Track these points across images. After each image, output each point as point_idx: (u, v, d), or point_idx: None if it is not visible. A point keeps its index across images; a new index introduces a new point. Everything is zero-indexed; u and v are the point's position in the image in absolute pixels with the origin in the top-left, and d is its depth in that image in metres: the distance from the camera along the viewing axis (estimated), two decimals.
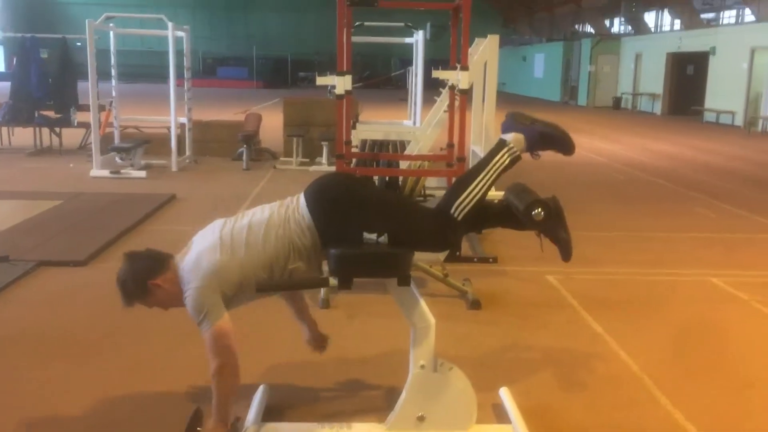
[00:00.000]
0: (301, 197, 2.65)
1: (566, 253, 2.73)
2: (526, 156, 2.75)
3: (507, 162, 2.67)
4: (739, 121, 19.30)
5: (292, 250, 2.57)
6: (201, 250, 2.59)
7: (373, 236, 2.55)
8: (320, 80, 5.29)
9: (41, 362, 3.42)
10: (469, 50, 5.67)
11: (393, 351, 3.55)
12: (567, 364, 3.58)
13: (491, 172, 2.65)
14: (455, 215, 2.61)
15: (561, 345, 3.82)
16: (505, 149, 2.68)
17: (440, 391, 2.69)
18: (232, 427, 2.66)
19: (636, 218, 7.09)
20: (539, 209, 2.61)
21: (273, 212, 2.65)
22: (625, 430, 2.91)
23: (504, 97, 12.88)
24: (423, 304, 2.67)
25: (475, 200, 2.62)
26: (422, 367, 2.66)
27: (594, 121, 20.38)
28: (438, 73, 5.58)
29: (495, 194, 2.84)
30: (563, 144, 2.72)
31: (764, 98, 18.45)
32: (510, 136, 2.70)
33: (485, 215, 2.90)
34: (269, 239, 2.57)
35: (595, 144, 14.17)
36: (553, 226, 2.68)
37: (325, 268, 2.66)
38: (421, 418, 2.69)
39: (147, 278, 2.62)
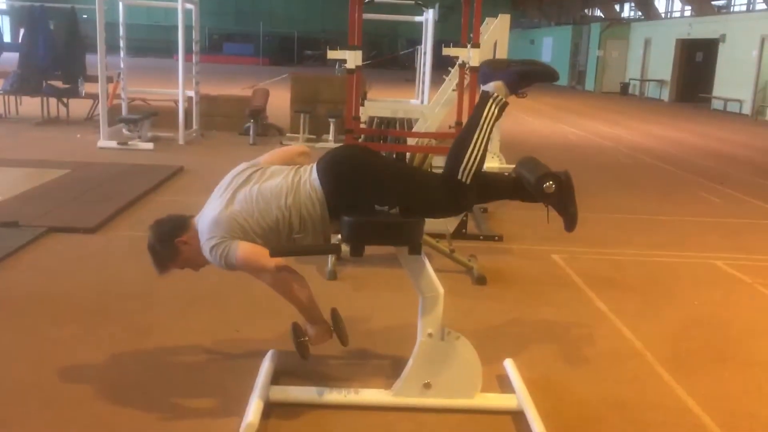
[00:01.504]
0: (313, 169, 2.68)
1: (570, 225, 2.77)
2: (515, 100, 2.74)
3: (496, 112, 2.68)
4: (746, 109, 19.23)
5: (300, 219, 2.61)
6: (212, 208, 2.68)
7: (384, 209, 2.59)
8: (331, 54, 5.29)
9: (52, 324, 3.47)
10: (480, 29, 5.66)
11: (400, 323, 3.60)
12: (570, 339, 3.62)
13: (485, 127, 2.66)
14: (463, 179, 2.62)
15: (565, 321, 3.86)
16: (491, 100, 2.69)
17: (447, 360, 2.73)
18: (333, 317, 2.78)
19: (641, 201, 7.11)
20: (550, 182, 2.65)
21: (285, 179, 2.67)
22: (628, 404, 2.95)
23: None
24: (432, 273, 2.70)
25: (478, 159, 2.63)
26: (430, 335, 2.70)
27: (601, 106, 20.32)
28: (449, 51, 5.58)
29: (505, 167, 2.87)
30: (544, 74, 2.73)
31: None
32: (491, 86, 2.71)
33: (496, 187, 2.94)
34: (276, 204, 2.61)
35: (602, 129, 14.15)
36: (562, 199, 2.71)
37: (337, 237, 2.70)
38: (427, 386, 2.74)
39: (173, 237, 2.71)
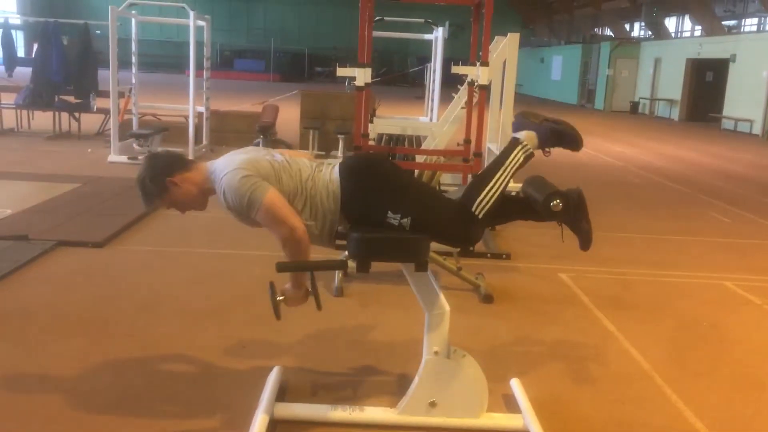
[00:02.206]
0: (337, 164, 2.73)
1: (586, 244, 2.78)
2: (539, 155, 2.84)
3: (522, 159, 2.76)
4: (757, 129, 19.16)
5: (312, 206, 2.63)
6: (235, 154, 2.69)
7: (397, 216, 2.58)
8: (341, 71, 5.32)
9: (59, 338, 3.48)
10: (489, 48, 5.69)
11: (406, 340, 3.58)
12: (577, 359, 3.60)
13: (508, 169, 2.74)
14: (477, 213, 2.67)
15: (572, 340, 3.83)
16: (519, 147, 2.78)
17: (453, 378, 2.72)
18: (311, 282, 2.73)
19: (650, 221, 7.08)
20: (557, 200, 2.65)
21: (309, 166, 2.73)
22: (634, 425, 2.93)
23: (521, 99, 12.86)
24: (438, 290, 2.70)
25: (495, 198, 2.69)
26: (436, 353, 2.69)
27: (611, 125, 20.31)
28: (458, 69, 5.60)
29: (513, 186, 2.87)
30: (572, 140, 2.83)
31: None
32: (522, 134, 2.81)
33: (504, 207, 2.93)
34: (299, 180, 2.65)
35: (612, 148, 14.13)
36: (573, 217, 2.72)
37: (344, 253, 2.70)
38: (432, 404, 2.72)
39: (165, 175, 2.68)
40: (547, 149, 2.83)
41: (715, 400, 3.20)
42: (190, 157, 9.38)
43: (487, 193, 2.68)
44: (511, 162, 2.74)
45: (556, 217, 2.71)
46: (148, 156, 2.79)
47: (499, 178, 2.71)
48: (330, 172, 2.69)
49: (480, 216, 2.67)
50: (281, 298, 2.71)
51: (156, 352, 3.38)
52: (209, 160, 2.77)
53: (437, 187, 5.35)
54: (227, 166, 2.62)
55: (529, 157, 2.77)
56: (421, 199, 2.73)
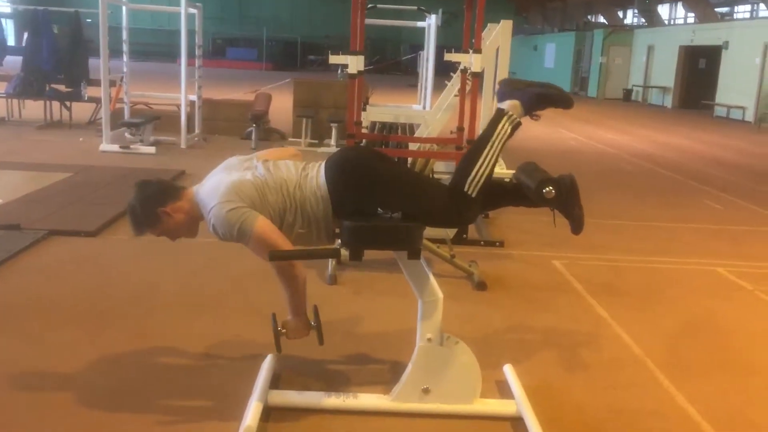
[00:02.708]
0: (321, 167, 2.69)
1: (578, 228, 2.78)
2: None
3: (509, 130, 2.71)
4: (749, 116, 19.21)
5: (303, 214, 2.61)
6: (224, 176, 2.66)
7: (388, 212, 2.60)
8: (333, 59, 5.30)
9: (51, 328, 3.47)
10: (482, 35, 5.67)
11: (399, 328, 3.59)
12: (570, 345, 3.61)
13: (496, 143, 2.68)
14: (470, 192, 2.64)
15: (565, 327, 3.85)
16: (505, 118, 2.71)
17: (446, 365, 2.73)
18: (314, 314, 2.75)
19: (643, 208, 7.10)
20: (550, 187, 2.65)
21: (295, 172, 2.68)
22: (627, 410, 2.95)
23: None
24: (431, 278, 2.70)
25: (486, 174, 2.65)
26: (429, 340, 2.70)
27: (604, 113, 20.33)
28: (451, 56, 5.59)
29: (505, 172, 2.87)
30: (560, 99, 2.75)
31: None
32: (507, 104, 2.74)
33: (497, 194, 2.93)
34: (285, 192, 2.61)
35: (605, 135, 14.15)
36: (565, 203, 2.71)
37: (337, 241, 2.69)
38: (426, 391, 2.73)
39: (156, 205, 2.66)
40: (535, 114, 2.76)
41: (708, 386, 3.22)
42: (183, 146, 9.39)
43: (478, 170, 2.64)
44: (498, 135, 2.69)
45: (549, 203, 2.70)
46: (138, 184, 2.74)
47: (488, 154, 2.66)
48: (316, 176, 2.64)
49: (473, 195, 2.64)
50: (283, 330, 2.71)
51: (150, 341, 3.37)
52: (194, 185, 2.74)
53: (431, 175, 5.34)
54: (213, 196, 2.58)
55: (516, 126, 2.72)
56: (410, 191, 2.69)
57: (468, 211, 2.70)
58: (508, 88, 2.77)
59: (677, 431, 2.82)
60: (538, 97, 2.72)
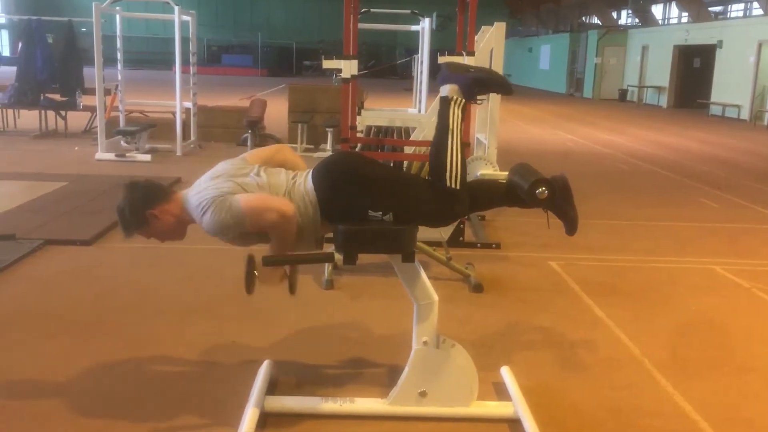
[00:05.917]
0: (309, 173, 2.68)
1: (571, 229, 2.76)
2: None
3: (461, 114, 2.70)
4: (745, 114, 19.25)
5: None
6: (211, 180, 2.64)
7: (378, 214, 2.58)
8: (326, 64, 5.29)
9: (47, 337, 3.45)
10: (476, 38, 5.68)
11: (395, 332, 3.58)
12: (568, 346, 3.60)
13: (455, 132, 2.68)
14: (453, 186, 2.62)
15: (562, 328, 3.84)
16: (452, 104, 2.71)
17: (442, 368, 2.72)
18: (291, 270, 2.69)
19: (640, 208, 7.10)
20: (543, 188, 2.64)
21: (285, 179, 2.67)
22: (625, 410, 2.94)
23: None
24: (426, 280, 2.69)
25: (460, 163, 2.64)
26: (425, 343, 2.69)
27: (599, 113, 20.35)
28: (444, 59, 5.57)
29: (499, 174, 2.87)
30: (498, 85, 2.78)
31: None
32: (446, 90, 2.73)
33: (490, 195, 2.93)
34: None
35: (600, 135, 14.16)
36: (559, 203, 2.71)
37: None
38: (422, 394, 2.72)
39: (145, 208, 2.64)
40: (478, 99, 2.75)
41: (705, 384, 3.21)
42: (179, 153, 9.38)
43: (451, 163, 2.62)
44: (454, 122, 2.68)
45: (542, 204, 2.69)
46: (127, 186, 2.71)
47: (452, 145, 2.65)
48: (304, 182, 2.64)
49: (457, 187, 2.62)
50: (256, 273, 2.63)
51: (146, 349, 3.36)
52: (183, 189, 2.73)
53: (427, 177, 5.34)
54: (199, 203, 2.56)
55: (464, 109, 2.71)
56: (397, 191, 2.67)
57: (458, 204, 2.68)
58: (448, 72, 2.76)
59: (675, 430, 2.81)
60: (476, 82, 2.72)
